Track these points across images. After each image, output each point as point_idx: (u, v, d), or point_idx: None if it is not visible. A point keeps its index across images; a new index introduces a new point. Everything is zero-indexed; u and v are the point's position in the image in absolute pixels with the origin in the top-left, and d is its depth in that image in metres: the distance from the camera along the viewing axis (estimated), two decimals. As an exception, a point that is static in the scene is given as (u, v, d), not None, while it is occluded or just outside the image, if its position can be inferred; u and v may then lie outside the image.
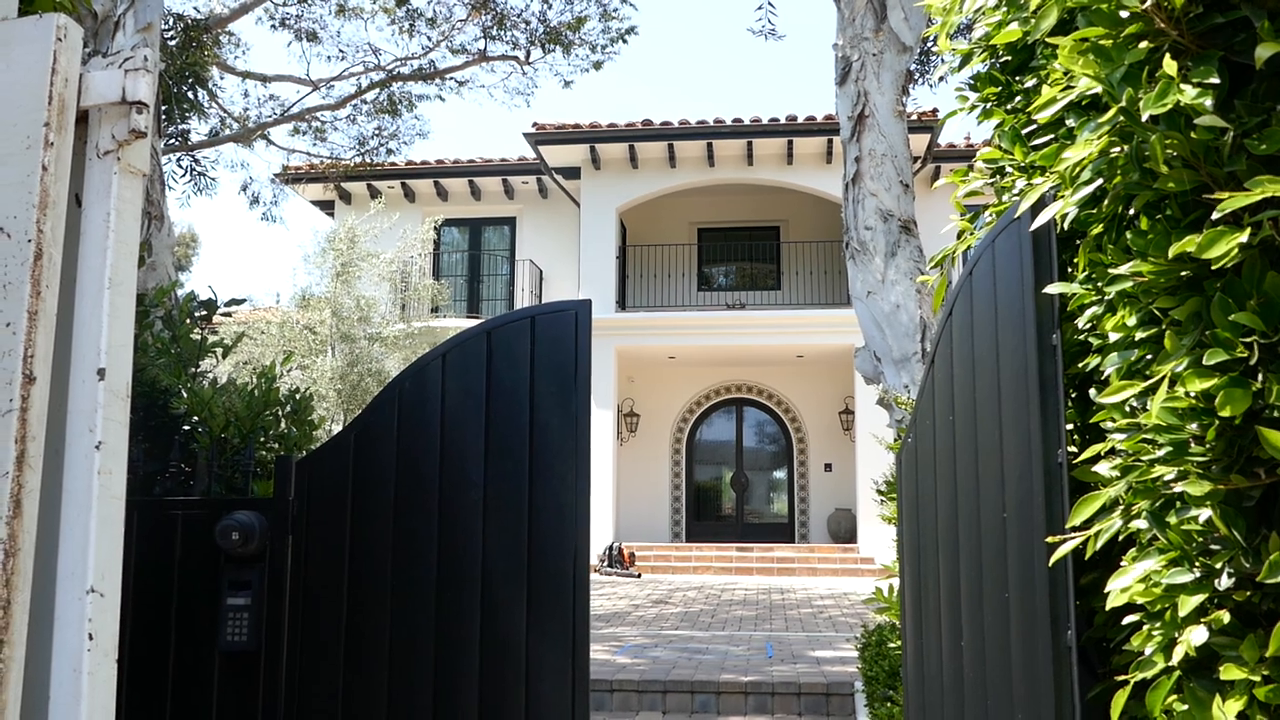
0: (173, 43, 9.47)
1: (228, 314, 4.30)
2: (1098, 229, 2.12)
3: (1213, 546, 1.75)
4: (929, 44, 9.58)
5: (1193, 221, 1.76)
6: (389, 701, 3.30)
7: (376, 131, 15.13)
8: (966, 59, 2.93)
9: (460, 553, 3.32)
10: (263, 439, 4.02)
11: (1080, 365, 2.30)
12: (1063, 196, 2.10)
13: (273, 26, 13.60)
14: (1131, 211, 2.02)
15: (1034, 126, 2.57)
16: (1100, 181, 1.96)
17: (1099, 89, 1.86)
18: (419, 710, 3.27)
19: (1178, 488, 1.75)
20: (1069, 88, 2.01)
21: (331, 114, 14.90)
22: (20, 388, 1.40)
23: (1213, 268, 1.64)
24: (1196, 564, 1.76)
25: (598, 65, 14.45)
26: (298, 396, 4.20)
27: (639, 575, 16.80)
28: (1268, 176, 1.53)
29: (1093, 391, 2.19)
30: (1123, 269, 1.86)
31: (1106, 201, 1.98)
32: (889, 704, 5.29)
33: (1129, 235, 1.89)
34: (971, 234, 3.05)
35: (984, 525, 2.69)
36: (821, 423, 19.90)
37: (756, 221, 20.47)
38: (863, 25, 6.09)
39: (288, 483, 3.45)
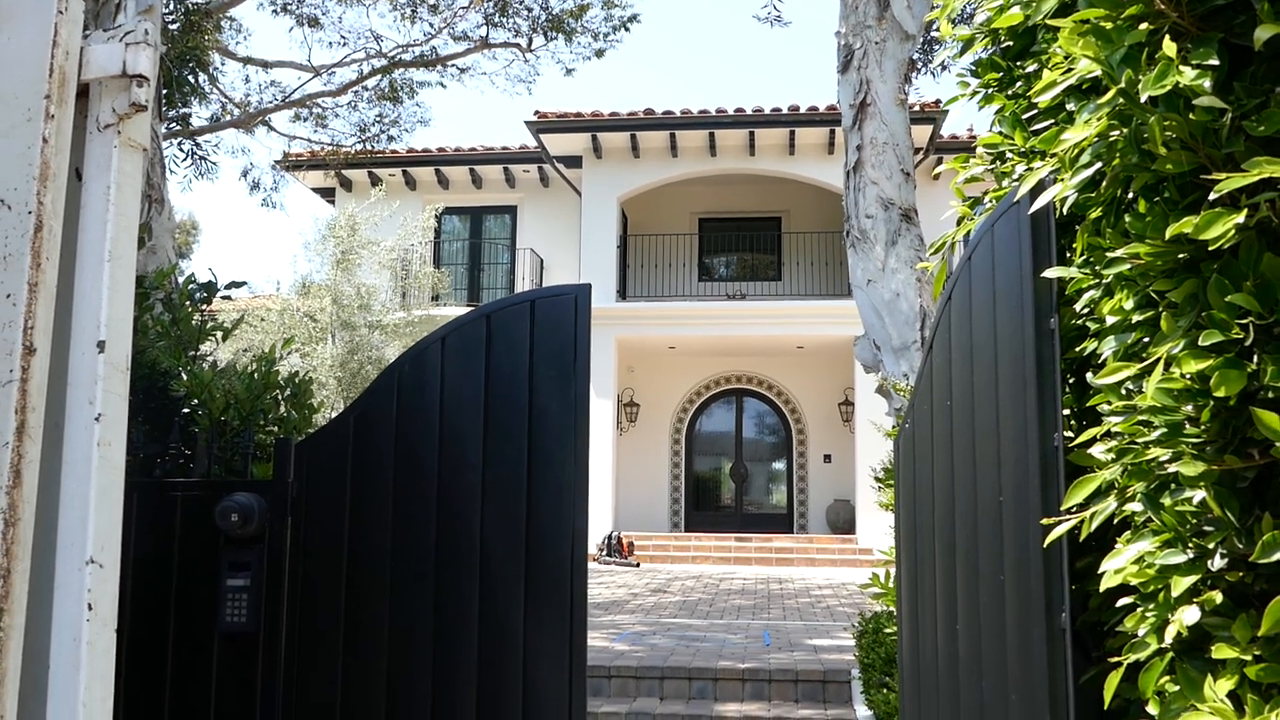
0: (174, 26, 9.45)
1: (227, 297, 4.30)
2: (1096, 213, 2.13)
3: (1206, 528, 1.76)
4: (932, 33, 9.57)
5: (1191, 204, 1.76)
6: (388, 682, 3.32)
7: (378, 118, 15.11)
8: (968, 44, 2.93)
9: (459, 535, 3.33)
10: (262, 422, 4.03)
11: (1077, 350, 2.31)
12: (1062, 180, 2.11)
13: (274, 12, 13.58)
14: (1130, 195, 2.02)
15: (1034, 111, 2.57)
16: (1099, 165, 1.96)
17: (1099, 71, 1.87)
18: (417, 693, 3.29)
19: (1172, 469, 1.76)
20: (1069, 71, 2.01)
21: (333, 100, 14.89)
22: (20, 359, 1.40)
23: (1210, 249, 1.65)
24: (1190, 545, 1.77)
25: (600, 53, 14.44)
26: (297, 380, 4.20)
27: (638, 564, 16.84)
28: (1265, 158, 1.54)
29: (1090, 375, 2.19)
30: (1120, 252, 1.86)
31: (1105, 184, 1.98)
32: (885, 690, 5.31)
33: (1127, 218, 1.90)
34: (971, 220, 3.05)
35: (980, 509, 2.70)
36: (821, 414, 19.91)
37: (758, 212, 20.45)
38: (865, 13, 6.08)
39: (287, 465, 3.46)
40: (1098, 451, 2.08)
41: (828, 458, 19.77)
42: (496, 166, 20.43)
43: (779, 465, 20.36)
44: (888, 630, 5.73)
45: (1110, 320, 2.02)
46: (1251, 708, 1.59)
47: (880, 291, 5.87)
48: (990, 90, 2.84)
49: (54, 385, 1.52)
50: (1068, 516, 2.08)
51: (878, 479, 5.81)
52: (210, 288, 4.21)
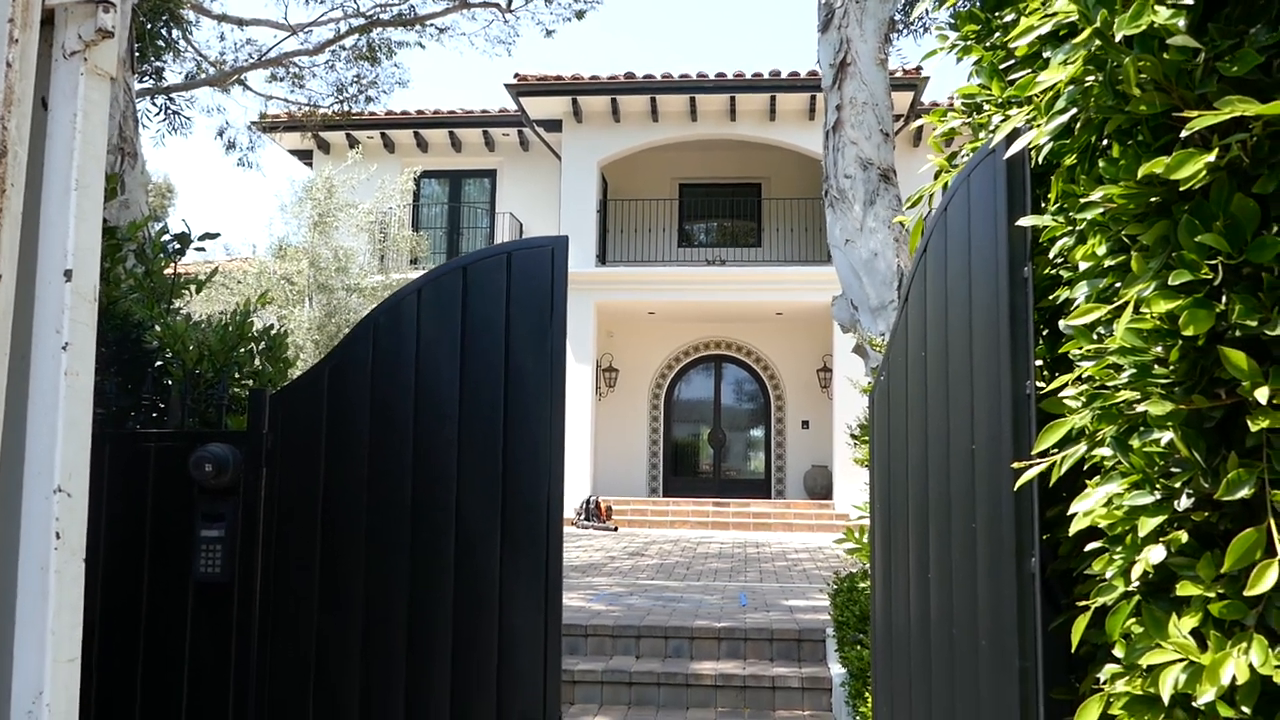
0: (147, -20, 9.30)
1: (201, 249, 4.26)
2: (1070, 160, 2.13)
3: (1173, 469, 1.78)
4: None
5: (1163, 146, 1.77)
6: (363, 632, 3.32)
7: (356, 79, 14.95)
8: (947, -5, 2.92)
9: (435, 486, 3.33)
10: (237, 375, 4.01)
11: (1050, 298, 2.32)
12: (1037, 126, 2.11)
13: (250, -33, 13.36)
14: (1104, 142, 2.03)
15: (1012, 61, 2.57)
16: (1074, 110, 1.97)
17: (1075, 16, 1.87)
18: (393, 642, 3.30)
19: (1141, 408, 1.78)
20: (1047, 16, 2.01)
21: (309, 60, 14.70)
22: (-15, 286, 1.39)
23: (1181, 189, 1.65)
24: (1158, 486, 1.79)
25: (580, 14, 14.31)
26: (272, 333, 4.18)
27: (615, 529, 16.91)
28: (1238, 97, 1.54)
29: (1062, 324, 2.21)
30: (1094, 195, 1.87)
31: (1079, 129, 1.99)
32: (859, 647, 5.37)
33: (1101, 164, 1.90)
34: (949, 172, 3.05)
35: (953, 459, 2.73)
36: (800, 380, 19.99)
37: (738, 178, 20.40)
38: (846, -29, 6.04)
39: (261, 415, 3.44)
40: (1069, 397, 2.10)
41: (806, 424, 19.88)
42: (476, 130, 20.28)
43: (757, 431, 20.45)
44: (862, 586, 5.78)
45: (1083, 266, 2.03)
46: (1214, 643, 1.62)
47: (858, 251, 5.88)
48: (969, 42, 2.84)
49: (20, 317, 1.50)
50: (1038, 461, 2.10)
51: (853, 435, 5.85)
52: (184, 239, 4.17)
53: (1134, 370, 1.77)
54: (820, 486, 18.84)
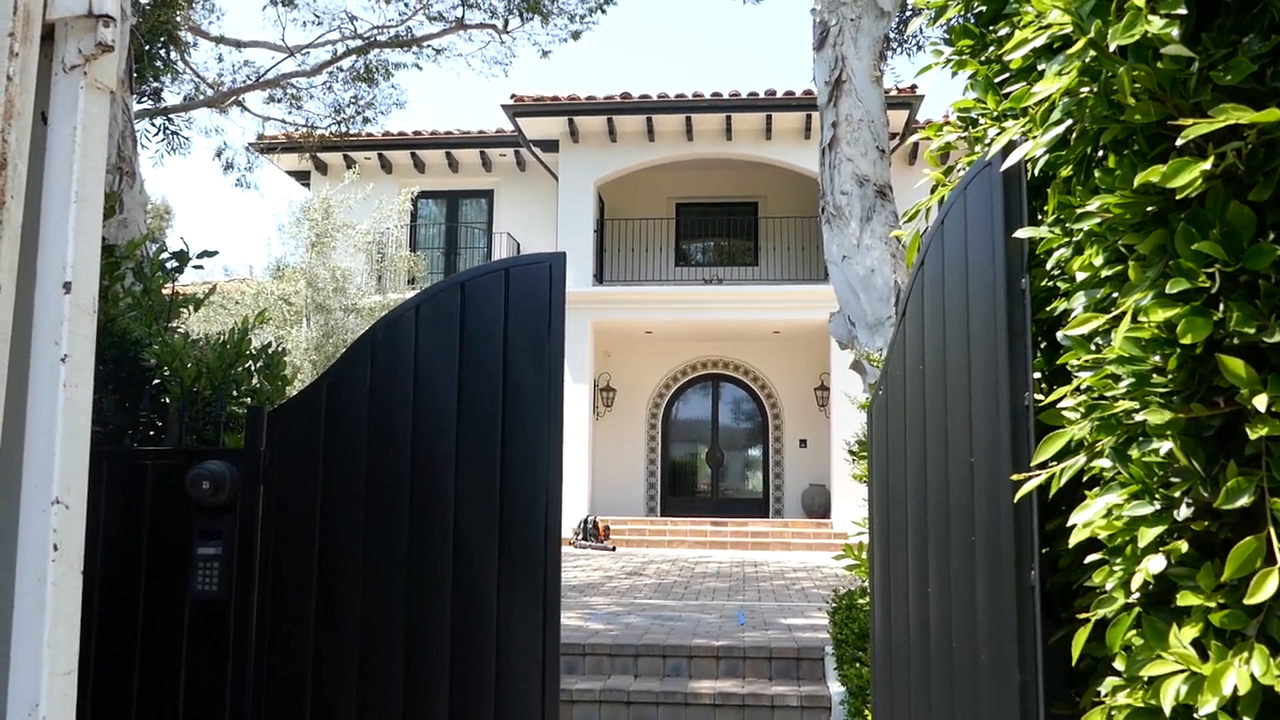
0: (145, 1, 9.33)
1: (199, 266, 4.26)
2: (1066, 171, 2.14)
3: (1173, 479, 1.77)
4: (906, 12, 9.59)
5: (1159, 155, 1.78)
6: (360, 650, 3.31)
7: (353, 100, 14.99)
8: (941, 10, 2.94)
9: (432, 503, 3.32)
10: (235, 393, 4.00)
11: (1048, 309, 2.33)
12: (1033, 138, 2.12)
13: (248, -10, 13.41)
14: (1100, 153, 2.04)
15: (1007, 75, 2.58)
16: (1070, 122, 1.98)
17: (1069, 27, 1.88)
18: (390, 660, 3.28)
19: (1140, 418, 1.77)
20: (1041, 29, 2.02)
21: (307, 81, 14.74)
22: (-16, 297, 1.38)
23: (1177, 197, 1.66)
24: (1157, 496, 1.79)
25: (576, 35, 14.37)
26: (270, 351, 4.18)
27: (613, 548, 16.86)
28: (1232, 105, 1.55)
29: (1059, 334, 2.21)
30: (1090, 205, 1.88)
31: (1075, 140, 2.00)
32: (858, 665, 5.35)
33: (1097, 174, 1.91)
34: (945, 186, 3.06)
35: (952, 471, 2.72)
36: (797, 399, 19.98)
37: (734, 197, 20.45)
38: (841, -10, 6.08)
39: (259, 433, 3.44)
40: (1067, 409, 2.10)
41: (803, 443, 19.85)
42: (473, 150, 20.33)
43: (755, 450, 20.42)
44: (861, 603, 5.76)
45: (1080, 277, 2.04)
46: (1215, 654, 1.61)
47: (855, 268, 5.90)
48: (963, 56, 2.85)
49: (19, 329, 1.50)
50: (1037, 473, 2.09)
51: (851, 451, 5.84)
52: (183, 257, 4.17)
53: (1132, 379, 1.77)
54: (818, 505, 18.80)
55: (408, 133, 20.06)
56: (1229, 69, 1.62)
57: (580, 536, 16.99)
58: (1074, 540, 1.96)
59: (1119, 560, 1.89)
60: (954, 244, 2.71)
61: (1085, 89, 1.90)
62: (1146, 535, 1.77)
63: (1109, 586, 1.91)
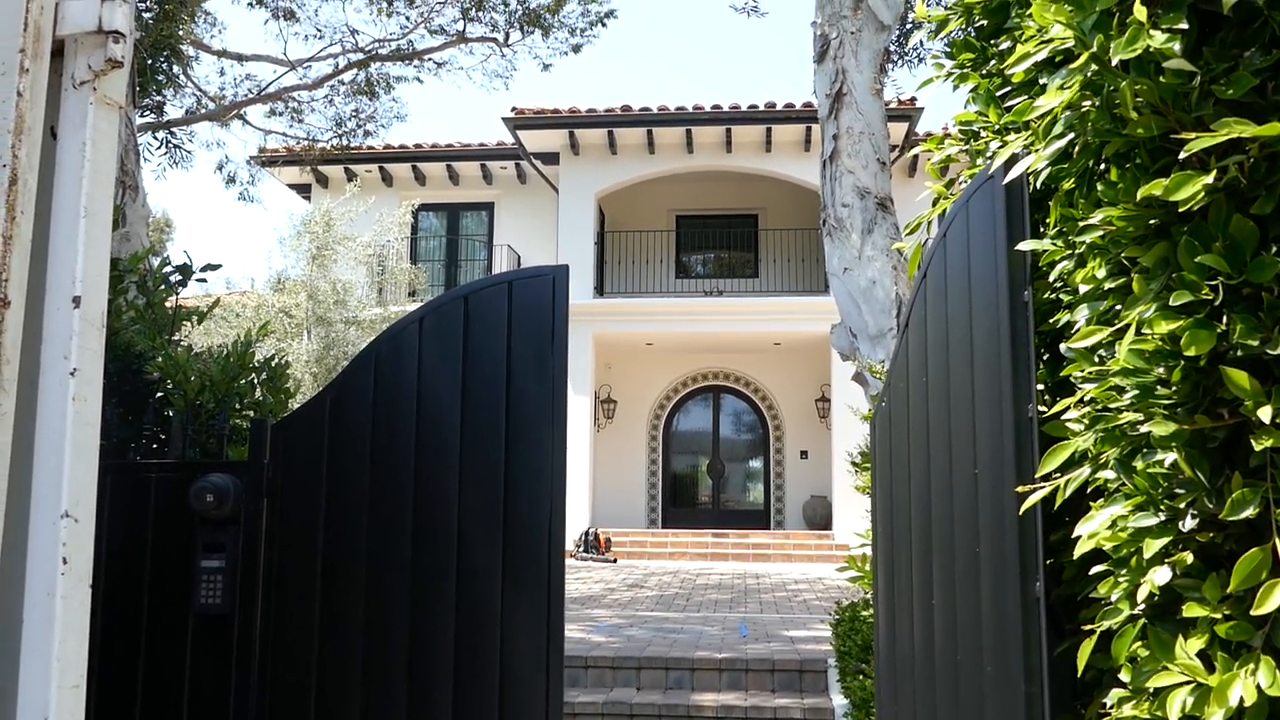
0: (148, 15, 9.37)
1: (203, 279, 4.28)
2: (1069, 184, 2.15)
3: (1177, 490, 1.78)
4: (907, 24, 9.63)
5: (1161, 168, 1.79)
6: (364, 662, 3.30)
7: (354, 113, 15.02)
8: (942, 25, 2.95)
9: (436, 516, 3.32)
10: (238, 406, 4.01)
11: (1051, 322, 2.34)
12: (1035, 151, 2.13)
13: (249, 4, 13.45)
14: (1102, 166, 2.05)
15: (1009, 88, 2.60)
16: (1072, 135, 1.99)
17: (1071, 41, 1.89)
18: (394, 673, 3.28)
19: (1144, 429, 1.78)
20: (1043, 43, 2.04)
21: (308, 94, 14.78)
22: (-6, 312, 1.39)
23: (1180, 210, 1.67)
24: (1162, 507, 1.79)
25: (577, 48, 14.41)
26: (273, 364, 4.18)
27: (615, 560, 16.84)
28: (1234, 119, 1.56)
29: (1063, 347, 2.22)
30: (1093, 218, 1.89)
31: (1077, 153, 2.01)
32: (861, 677, 5.34)
33: (1099, 187, 1.92)
34: (947, 199, 3.07)
35: (955, 483, 2.73)
36: (798, 410, 19.97)
37: (735, 209, 20.49)
38: (841, 3, 6.11)
39: (263, 446, 3.44)
40: (1071, 420, 2.10)
41: (804, 454, 19.83)
42: (474, 163, 20.37)
43: (756, 462, 20.40)
44: (864, 615, 5.76)
45: (1083, 289, 2.05)
46: (1221, 665, 1.61)
47: (857, 279, 5.91)
48: (965, 70, 2.87)
49: (28, 343, 1.51)
50: (1042, 485, 2.10)
51: (854, 463, 5.84)
52: (186, 270, 4.19)
53: (1136, 391, 1.78)
54: (820, 517, 18.77)
55: (409, 146, 20.11)
56: (1230, 83, 1.63)
57: (581, 548, 16.97)
58: (1079, 552, 1.96)
59: (1124, 572, 1.89)
60: (957, 256, 2.72)
61: (1087, 103, 1.91)
62: (1152, 546, 1.77)
63: (1114, 598, 1.91)
